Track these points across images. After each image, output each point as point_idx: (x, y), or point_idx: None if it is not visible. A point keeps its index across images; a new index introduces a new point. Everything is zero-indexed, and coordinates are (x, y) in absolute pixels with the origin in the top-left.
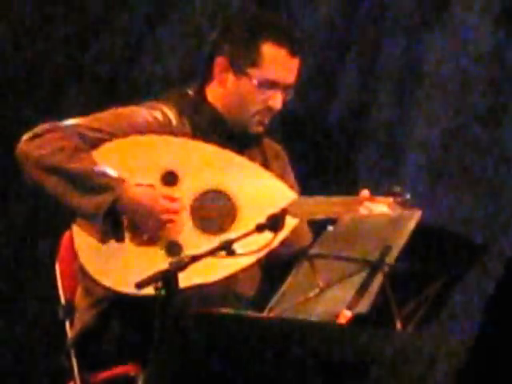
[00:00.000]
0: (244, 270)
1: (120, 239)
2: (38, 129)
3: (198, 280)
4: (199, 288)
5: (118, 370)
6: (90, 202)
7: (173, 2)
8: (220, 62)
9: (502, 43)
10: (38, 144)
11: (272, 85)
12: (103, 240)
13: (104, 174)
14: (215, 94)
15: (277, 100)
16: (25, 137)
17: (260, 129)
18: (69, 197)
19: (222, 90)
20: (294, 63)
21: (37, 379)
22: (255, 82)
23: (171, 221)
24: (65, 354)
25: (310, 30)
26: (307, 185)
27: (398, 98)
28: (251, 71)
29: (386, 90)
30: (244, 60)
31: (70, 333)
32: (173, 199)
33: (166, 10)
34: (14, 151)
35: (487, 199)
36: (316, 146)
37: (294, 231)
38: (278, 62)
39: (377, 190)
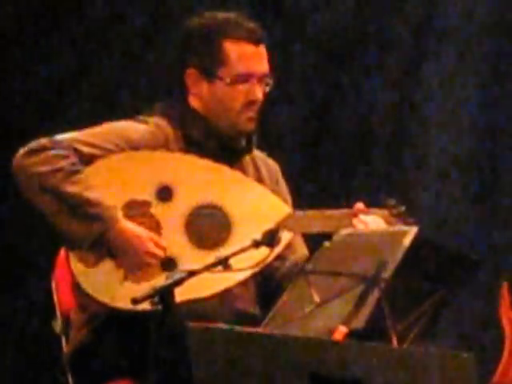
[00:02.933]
0: (239, 285)
1: (113, 256)
2: (35, 144)
3: (192, 295)
4: (196, 303)
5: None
6: (78, 230)
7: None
8: (190, 73)
9: None
10: (35, 161)
11: (245, 78)
12: (98, 256)
13: (97, 204)
14: (197, 105)
15: (255, 92)
16: (21, 151)
17: (251, 125)
18: (59, 219)
19: (201, 100)
20: (260, 52)
21: None
22: (228, 80)
23: (151, 264)
24: (60, 370)
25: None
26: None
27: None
28: (221, 72)
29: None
30: (211, 64)
31: (65, 348)
32: (158, 245)
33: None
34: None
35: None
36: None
37: (288, 245)
38: (244, 55)
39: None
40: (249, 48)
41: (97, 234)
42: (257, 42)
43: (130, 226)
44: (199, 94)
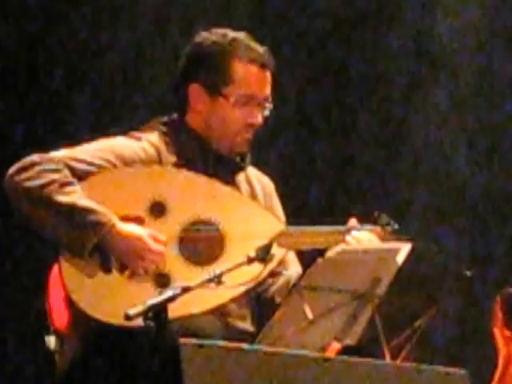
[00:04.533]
0: (233, 302)
1: (108, 270)
2: (26, 161)
3: (186, 311)
4: (189, 320)
5: None
6: (76, 239)
7: None
8: (193, 88)
9: None
10: (27, 176)
11: (248, 100)
12: (91, 272)
13: (92, 211)
14: (195, 120)
15: (256, 116)
16: (13, 168)
17: (245, 148)
18: (57, 231)
19: (201, 115)
20: (266, 76)
21: None
22: (232, 99)
23: (154, 261)
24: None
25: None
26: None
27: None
28: (226, 90)
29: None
30: (217, 81)
31: (59, 364)
32: (158, 240)
33: None
34: None
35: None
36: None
37: (281, 261)
38: (251, 76)
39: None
40: (256, 71)
41: (96, 240)
42: (264, 67)
43: (127, 227)
44: (199, 110)
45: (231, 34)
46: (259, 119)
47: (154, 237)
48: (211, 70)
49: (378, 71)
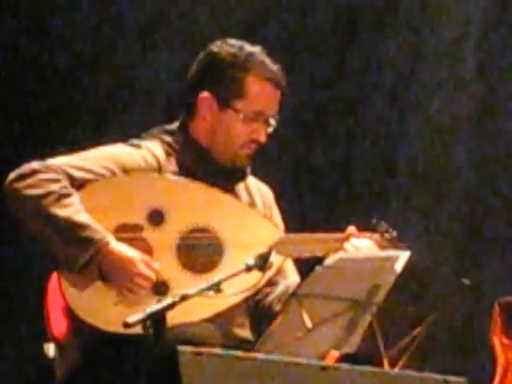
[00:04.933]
0: (231, 309)
1: (105, 278)
2: (26, 168)
3: (184, 319)
4: (188, 327)
5: None
6: (69, 253)
7: None
8: (204, 96)
9: None
10: (27, 184)
11: (257, 116)
12: (90, 280)
13: (86, 227)
14: (199, 129)
15: (261, 133)
16: (13, 175)
17: (247, 162)
18: (50, 243)
19: (206, 124)
20: (277, 95)
21: None
22: (242, 114)
23: (142, 286)
24: None
25: None
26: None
27: None
28: (237, 104)
29: None
30: (230, 94)
31: (58, 372)
32: (150, 266)
33: None
34: None
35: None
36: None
37: (280, 270)
38: (263, 94)
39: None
40: (269, 88)
41: (87, 256)
42: (277, 86)
43: (120, 248)
44: (206, 118)
45: (248, 47)
46: (264, 137)
47: (146, 262)
48: (225, 81)
49: (371, 80)
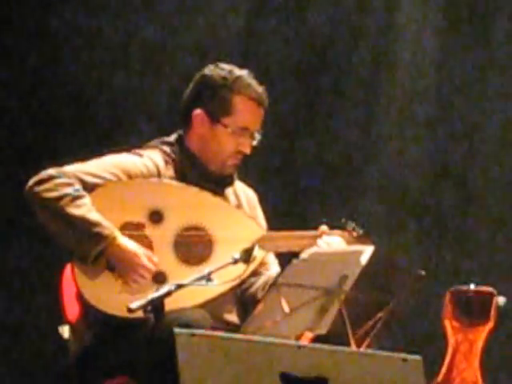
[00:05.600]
0: (220, 297)
1: (113, 270)
2: (44, 174)
3: (180, 305)
4: (183, 312)
5: (112, 382)
6: (82, 247)
7: None
8: (197, 113)
9: None
10: (45, 188)
11: (243, 131)
12: (99, 271)
13: (97, 224)
14: (193, 141)
15: (246, 146)
16: (32, 180)
17: (233, 170)
18: (66, 238)
19: (199, 137)
20: (261, 113)
21: None
22: (230, 129)
23: (144, 276)
24: (67, 370)
25: None
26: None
27: None
28: (226, 120)
29: None
30: (219, 111)
31: (71, 351)
32: (151, 260)
33: None
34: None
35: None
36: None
37: (262, 262)
38: (248, 112)
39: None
40: (253, 107)
41: (98, 250)
42: (261, 105)
43: (126, 243)
44: (199, 132)
45: (236, 71)
46: (248, 149)
47: (148, 256)
48: (216, 100)
49: (345, 92)
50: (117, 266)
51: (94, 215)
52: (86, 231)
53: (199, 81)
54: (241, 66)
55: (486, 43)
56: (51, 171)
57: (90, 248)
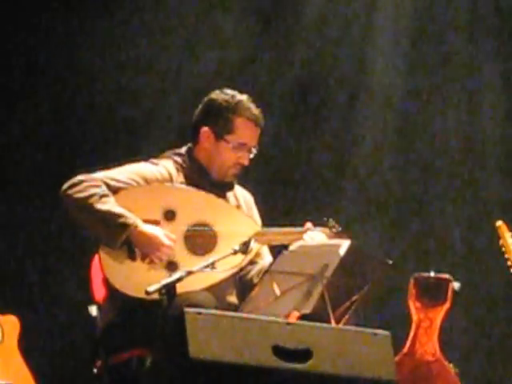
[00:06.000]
0: (223, 282)
1: (133, 259)
2: (76, 179)
3: (189, 288)
4: (192, 294)
5: (133, 353)
6: (110, 236)
7: None
8: (204, 130)
9: None
10: (77, 190)
11: (242, 146)
12: (122, 260)
13: (122, 215)
14: (200, 153)
15: (245, 158)
16: (66, 184)
17: (234, 178)
18: (96, 229)
19: (206, 151)
20: (257, 131)
21: (76, 358)
22: (231, 145)
23: (166, 253)
24: (95, 341)
25: None
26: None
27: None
28: (228, 137)
29: None
30: (223, 129)
31: (98, 326)
32: (170, 238)
33: None
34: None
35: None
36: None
37: (257, 253)
38: (247, 130)
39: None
40: (251, 127)
41: (124, 236)
42: (257, 125)
43: (147, 228)
44: (206, 147)
45: (238, 96)
46: (247, 161)
47: (167, 235)
48: (220, 120)
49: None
50: (141, 248)
51: (118, 209)
52: (113, 222)
53: (207, 103)
54: (241, 91)
55: (448, 75)
56: (81, 177)
57: (117, 236)
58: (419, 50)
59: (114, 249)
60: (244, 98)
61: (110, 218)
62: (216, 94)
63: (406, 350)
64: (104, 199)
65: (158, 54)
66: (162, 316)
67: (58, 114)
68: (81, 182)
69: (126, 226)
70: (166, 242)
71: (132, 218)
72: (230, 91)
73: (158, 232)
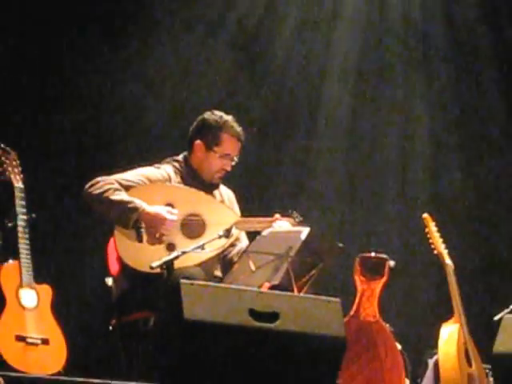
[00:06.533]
0: (210, 259)
1: (140, 241)
2: (94, 180)
3: (184, 264)
4: (186, 269)
5: (140, 314)
6: (123, 218)
7: None
8: (197, 143)
9: None
10: (96, 187)
11: (226, 156)
12: (131, 241)
13: (131, 202)
14: (194, 160)
15: (228, 165)
16: (87, 184)
17: (219, 180)
18: (112, 216)
19: (198, 159)
20: (239, 145)
21: (96, 318)
22: (218, 155)
23: (168, 228)
24: (111, 305)
25: None
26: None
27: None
28: (216, 148)
29: None
30: (212, 143)
31: (113, 294)
32: (171, 212)
33: None
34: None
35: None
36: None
37: (237, 238)
38: (231, 144)
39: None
40: (234, 141)
41: (134, 218)
42: (239, 140)
43: (151, 208)
44: (198, 155)
45: (225, 116)
46: (229, 168)
47: (169, 211)
48: (210, 136)
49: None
50: (148, 226)
51: (128, 198)
52: (125, 207)
53: (200, 121)
54: (227, 113)
55: (384, 100)
56: (99, 178)
57: (129, 217)
58: (363, 83)
59: (127, 229)
60: (229, 118)
61: (123, 205)
62: (208, 115)
63: (352, 313)
64: (117, 192)
65: (161, 83)
66: (163, 286)
67: (88, 127)
68: (98, 182)
69: (135, 209)
70: (169, 216)
71: (140, 202)
72: (218, 112)
73: (161, 210)
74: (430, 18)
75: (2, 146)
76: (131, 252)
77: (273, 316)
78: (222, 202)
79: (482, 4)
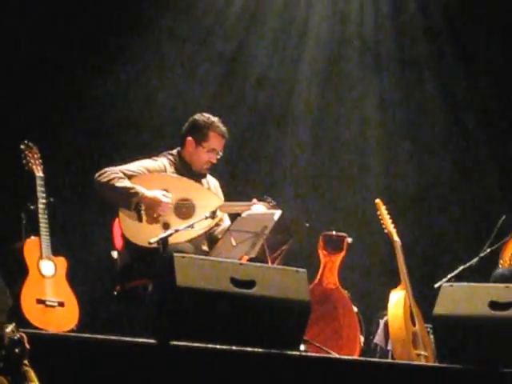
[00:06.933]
0: (199, 237)
1: (140, 220)
2: (102, 170)
3: (177, 240)
4: (179, 245)
5: (140, 281)
6: (126, 201)
7: None
8: (189, 139)
9: None
10: (103, 176)
11: (213, 151)
12: (133, 220)
13: (133, 188)
14: (185, 154)
15: (214, 159)
16: (96, 174)
17: (206, 171)
18: (117, 200)
19: (189, 153)
20: (223, 142)
21: (103, 285)
22: (205, 150)
23: (164, 209)
24: (115, 274)
25: None
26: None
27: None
28: (204, 144)
29: None
30: (201, 139)
31: (118, 265)
32: (166, 196)
33: None
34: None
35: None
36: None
37: (220, 219)
38: (217, 141)
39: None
40: (220, 139)
41: (135, 201)
42: (224, 138)
43: (149, 192)
44: (189, 150)
45: (212, 117)
46: (215, 161)
47: (164, 194)
48: (199, 133)
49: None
50: (148, 208)
51: (130, 184)
52: (128, 192)
53: (191, 121)
54: (214, 115)
55: (344, 98)
56: (106, 168)
57: (131, 201)
58: (326, 86)
59: (129, 210)
60: (216, 119)
61: (126, 190)
62: (198, 116)
63: (316, 281)
64: (121, 180)
65: (158, 91)
66: (159, 258)
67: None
68: (105, 171)
69: (136, 194)
70: (164, 199)
71: (140, 188)
72: (206, 114)
73: (158, 193)
74: (380, 31)
75: (26, 141)
76: (133, 230)
77: (250, 283)
78: (209, 188)
79: (422, 20)
